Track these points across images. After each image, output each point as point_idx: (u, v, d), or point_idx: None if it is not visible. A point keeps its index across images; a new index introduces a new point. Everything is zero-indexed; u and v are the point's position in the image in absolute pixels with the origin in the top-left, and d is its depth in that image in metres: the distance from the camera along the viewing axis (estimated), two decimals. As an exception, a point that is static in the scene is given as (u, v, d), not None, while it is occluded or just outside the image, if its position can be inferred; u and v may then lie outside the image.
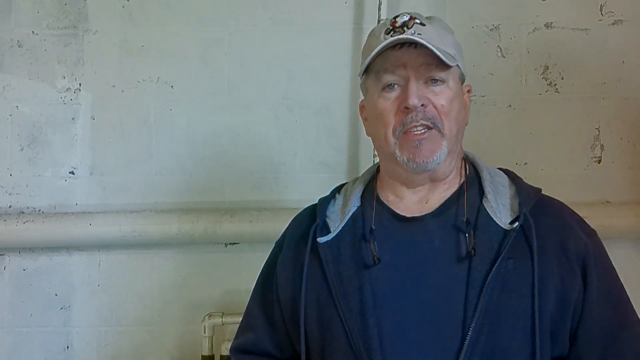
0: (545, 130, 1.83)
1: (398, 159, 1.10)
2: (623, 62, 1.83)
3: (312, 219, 1.20)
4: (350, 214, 1.16)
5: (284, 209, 1.81)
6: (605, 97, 1.83)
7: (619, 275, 1.14)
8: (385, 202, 1.17)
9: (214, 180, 1.87)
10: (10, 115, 1.88)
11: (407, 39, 1.07)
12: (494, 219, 1.09)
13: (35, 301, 1.86)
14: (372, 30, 1.19)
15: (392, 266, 1.08)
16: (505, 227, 1.08)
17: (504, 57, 1.85)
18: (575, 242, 1.10)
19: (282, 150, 1.87)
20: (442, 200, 1.14)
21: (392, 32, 1.10)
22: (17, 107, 1.88)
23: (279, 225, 1.80)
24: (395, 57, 1.08)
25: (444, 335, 1.02)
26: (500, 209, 1.11)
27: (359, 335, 1.04)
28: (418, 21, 1.11)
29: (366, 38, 1.19)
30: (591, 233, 1.17)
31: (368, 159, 1.78)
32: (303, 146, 1.87)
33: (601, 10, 1.84)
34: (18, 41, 1.89)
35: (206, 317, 1.77)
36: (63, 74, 1.89)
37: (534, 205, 1.13)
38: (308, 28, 1.87)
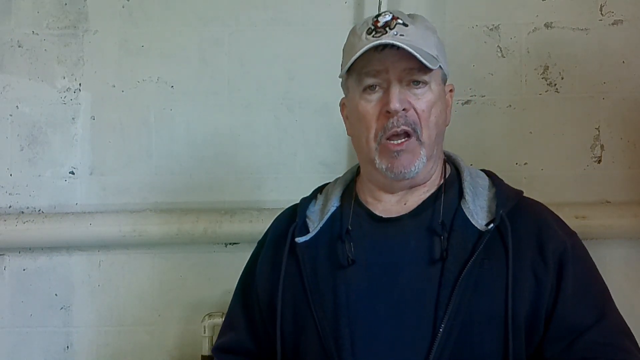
0: (545, 130, 1.83)
1: (377, 165, 1.11)
2: (623, 62, 1.82)
3: (292, 218, 1.21)
4: (329, 214, 1.17)
5: (284, 209, 1.81)
6: (605, 97, 1.83)
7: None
8: (363, 202, 1.18)
9: (214, 180, 1.87)
10: (10, 115, 1.88)
11: (389, 43, 1.06)
12: (471, 220, 1.09)
13: (35, 301, 1.86)
14: (354, 28, 1.18)
15: (367, 267, 1.09)
16: (480, 229, 1.08)
17: (504, 57, 1.85)
18: (552, 241, 1.09)
19: (282, 150, 1.87)
20: (420, 202, 1.15)
21: (373, 32, 1.09)
22: (17, 107, 1.88)
23: (279, 225, 1.83)
24: (377, 60, 1.08)
25: (415, 335, 1.02)
26: (478, 210, 1.11)
27: (331, 336, 1.04)
28: (400, 21, 1.10)
29: (348, 38, 1.19)
30: (571, 234, 1.15)
31: (368, 159, 1.78)
32: (303, 146, 1.87)
33: (601, 10, 1.83)
34: (18, 41, 1.89)
35: (206, 317, 1.77)
36: (63, 74, 1.89)
37: (513, 207, 1.13)
38: (308, 28, 1.87)
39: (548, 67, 1.84)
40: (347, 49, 1.17)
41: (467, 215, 1.10)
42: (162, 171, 1.87)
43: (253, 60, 1.88)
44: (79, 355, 1.87)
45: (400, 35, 1.08)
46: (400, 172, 1.10)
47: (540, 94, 1.84)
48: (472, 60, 1.84)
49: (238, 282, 1.29)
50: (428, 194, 1.16)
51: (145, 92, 1.88)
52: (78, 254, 1.86)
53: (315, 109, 1.87)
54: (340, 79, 1.22)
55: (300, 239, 1.14)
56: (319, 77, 1.86)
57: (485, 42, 1.85)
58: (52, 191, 1.88)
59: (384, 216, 1.14)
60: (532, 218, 1.14)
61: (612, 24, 1.83)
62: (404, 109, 1.07)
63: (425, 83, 1.10)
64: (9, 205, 1.87)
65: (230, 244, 1.86)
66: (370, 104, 1.11)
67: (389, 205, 1.15)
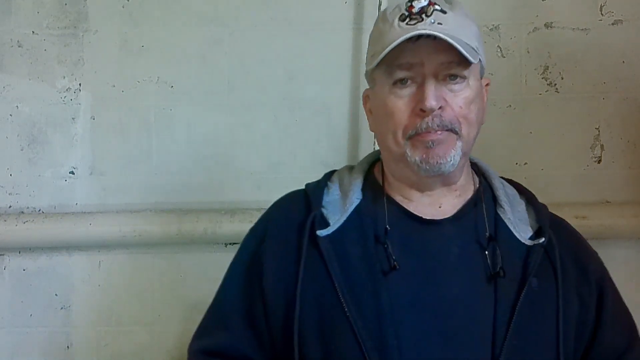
0: (545, 130, 1.83)
1: (409, 159, 1.01)
2: (623, 62, 1.82)
3: (302, 206, 1.10)
4: (352, 206, 1.05)
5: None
6: (605, 97, 1.83)
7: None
8: (395, 199, 1.07)
9: (214, 180, 1.87)
10: (10, 115, 1.88)
11: (427, 33, 0.95)
12: (514, 233, 1.03)
13: (35, 301, 1.86)
14: (383, 12, 1.06)
15: (410, 273, 0.99)
16: (526, 243, 1.02)
17: (504, 57, 1.85)
18: (592, 261, 1.07)
19: (282, 150, 1.87)
20: (458, 207, 1.06)
21: (408, 19, 0.98)
22: (17, 107, 1.88)
23: (279, 225, 1.82)
24: (411, 51, 0.97)
25: (472, 355, 0.95)
26: (517, 222, 1.05)
27: (375, 348, 0.93)
28: (438, 7, 0.99)
29: (376, 24, 1.09)
30: (597, 254, 1.13)
31: (368, 159, 1.78)
32: (303, 146, 1.87)
33: (601, 10, 1.83)
34: (18, 41, 1.88)
35: (206, 317, 1.77)
36: (63, 74, 1.89)
37: (550, 221, 1.07)
38: (308, 28, 1.87)
39: (548, 67, 1.84)
40: (376, 37, 1.05)
41: (510, 227, 1.04)
42: (162, 171, 1.87)
43: (253, 60, 1.88)
44: (79, 355, 1.87)
45: (438, 23, 0.97)
46: (437, 162, 0.99)
47: (540, 94, 1.84)
48: (472, 60, 1.84)
49: (230, 276, 1.14)
50: (463, 199, 1.07)
51: (145, 92, 1.88)
52: (78, 254, 1.86)
53: (315, 109, 1.87)
54: (366, 69, 1.10)
55: (322, 232, 1.01)
56: (319, 77, 1.87)
57: (485, 42, 1.83)
58: (52, 191, 1.87)
59: (424, 217, 1.04)
60: (567, 234, 1.10)
61: (612, 24, 1.83)
62: (439, 107, 0.98)
63: (464, 78, 1.00)
64: (9, 205, 1.87)
65: (230, 244, 1.85)
66: (401, 100, 1.00)
67: (421, 206, 1.05)
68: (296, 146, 1.87)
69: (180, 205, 1.84)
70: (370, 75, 1.08)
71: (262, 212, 1.83)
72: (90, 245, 1.84)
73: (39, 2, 1.89)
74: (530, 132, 1.84)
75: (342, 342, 0.95)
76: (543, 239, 1.01)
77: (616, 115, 1.82)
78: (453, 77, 1.00)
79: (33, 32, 1.89)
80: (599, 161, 1.83)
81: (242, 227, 1.80)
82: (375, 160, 1.18)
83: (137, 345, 1.86)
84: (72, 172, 1.88)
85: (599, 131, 1.83)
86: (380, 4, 1.78)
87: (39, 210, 1.87)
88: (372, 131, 1.13)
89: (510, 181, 1.17)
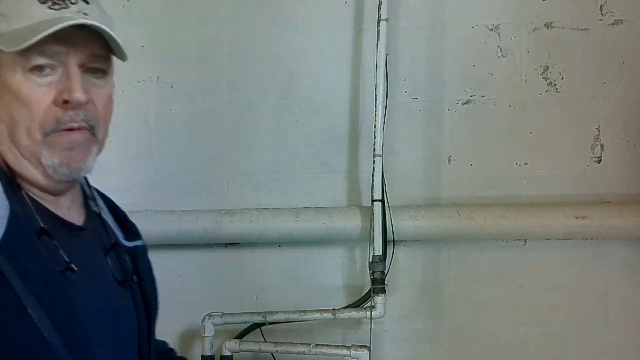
0: (545, 130, 1.83)
1: (43, 161, 0.90)
2: (623, 62, 1.82)
3: None
4: (8, 210, 0.88)
5: (284, 209, 1.81)
6: (605, 97, 1.83)
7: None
8: (39, 201, 0.95)
9: (214, 180, 1.87)
10: (10, 115, 1.88)
11: (89, 23, 0.89)
12: (118, 235, 1.05)
13: (35, 301, 1.86)
14: None
15: (84, 274, 0.92)
16: (127, 244, 1.04)
17: (504, 57, 1.85)
18: None
19: (282, 150, 1.87)
20: (83, 210, 1.02)
21: (50, 3, 0.89)
22: (17, 107, 1.88)
23: (279, 225, 1.83)
24: (57, 39, 0.87)
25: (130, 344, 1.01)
26: (110, 224, 1.06)
27: (65, 347, 0.84)
28: None
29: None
30: None
31: (368, 159, 1.78)
32: (303, 146, 1.87)
33: (601, 10, 1.83)
34: (18, 41, 1.88)
35: (206, 317, 1.77)
36: (63, 74, 1.89)
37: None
38: (308, 28, 1.87)
39: (548, 67, 1.84)
40: (11, 13, 0.90)
41: (114, 228, 1.05)
42: (162, 171, 1.87)
43: (253, 60, 1.88)
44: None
45: (84, 13, 0.91)
46: (76, 168, 0.92)
47: (540, 94, 1.84)
48: (472, 60, 1.84)
49: None
50: (80, 203, 1.02)
51: (145, 92, 1.88)
52: (78, 254, 1.86)
53: (315, 109, 1.87)
54: None
55: None
56: (319, 77, 1.87)
57: (485, 42, 1.85)
58: (52, 191, 1.87)
59: (70, 221, 0.96)
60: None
61: (612, 24, 1.83)
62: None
63: (106, 73, 0.95)
64: (9, 205, 1.87)
65: (230, 244, 1.85)
66: (40, 89, 0.88)
67: (61, 210, 0.96)
68: (296, 146, 1.87)
69: (180, 205, 1.84)
70: None
71: (262, 212, 1.85)
72: (90, 245, 1.84)
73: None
74: (530, 132, 1.84)
75: (27, 346, 0.85)
76: (139, 241, 1.06)
77: (616, 115, 1.82)
78: (97, 70, 0.93)
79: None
80: (599, 161, 1.82)
81: (242, 227, 1.83)
82: None
83: (137, 345, 1.86)
84: (72, 172, 1.88)
85: (599, 131, 1.83)
86: (380, 4, 1.78)
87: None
88: None
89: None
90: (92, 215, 1.03)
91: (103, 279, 0.97)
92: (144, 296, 1.03)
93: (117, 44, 0.93)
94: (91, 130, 0.94)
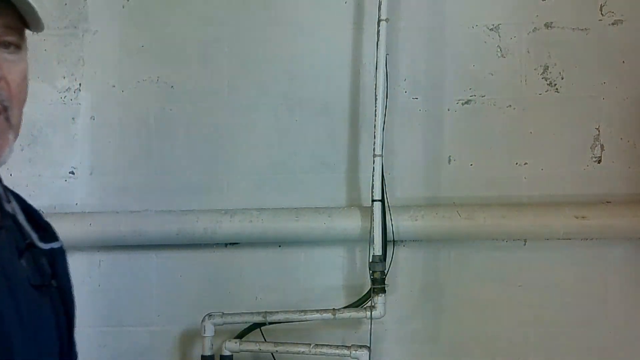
0: (545, 130, 1.83)
1: None
2: (623, 62, 1.82)
3: None
4: None
5: (284, 209, 1.81)
6: (605, 97, 1.83)
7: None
8: None
9: (214, 180, 1.87)
10: (10, 115, 1.88)
11: None
12: (32, 236, 0.92)
13: (35, 301, 1.86)
14: None
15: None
16: (44, 247, 0.93)
17: (504, 57, 1.85)
18: None
19: (282, 150, 1.87)
20: None
21: None
22: (17, 107, 1.88)
23: (279, 225, 1.83)
24: None
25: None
26: (24, 223, 0.93)
27: None
28: None
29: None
30: None
31: (368, 159, 1.78)
32: (303, 146, 1.87)
33: (601, 10, 1.83)
34: (18, 41, 1.88)
35: (206, 317, 1.76)
36: (63, 74, 1.89)
37: None
38: (308, 28, 1.87)
39: (548, 67, 1.84)
40: None
41: (28, 230, 0.92)
42: (162, 171, 1.87)
43: (253, 60, 1.88)
44: (79, 355, 1.86)
45: None
46: None
47: (540, 94, 1.84)
48: (472, 60, 1.84)
49: None
50: None
51: (145, 92, 1.88)
52: (78, 254, 1.86)
53: (315, 109, 1.87)
54: None
55: None
56: (319, 77, 1.87)
57: (485, 42, 1.85)
58: (52, 191, 1.87)
59: None
60: None
61: (612, 24, 1.83)
62: None
63: (19, 47, 0.84)
64: (9, 205, 1.87)
65: (230, 244, 1.85)
66: None
67: None
68: (296, 146, 1.87)
69: (180, 205, 1.84)
70: None
71: (262, 212, 1.84)
72: (90, 245, 1.84)
73: (39, 2, 1.89)
74: (530, 132, 1.84)
75: None
76: (57, 243, 0.96)
77: (616, 115, 1.82)
78: (8, 44, 0.82)
79: (33, 32, 1.89)
80: (599, 161, 1.82)
81: (242, 227, 1.83)
82: None
83: (137, 346, 1.86)
84: (72, 172, 1.88)
85: (599, 131, 1.83)
86: (380, 4, 1.78)
87: (39, 210, 1.86)
88: None
89: None
90: (5, 215, 0.89)
91: (19, 284, 0.86)
92: (63, 303, 0.96)
93: (33, 10, 0.82)
94: (4, 112, 0.80)
